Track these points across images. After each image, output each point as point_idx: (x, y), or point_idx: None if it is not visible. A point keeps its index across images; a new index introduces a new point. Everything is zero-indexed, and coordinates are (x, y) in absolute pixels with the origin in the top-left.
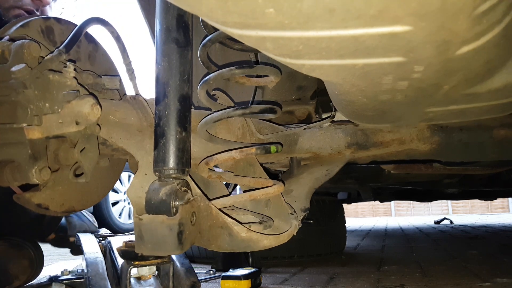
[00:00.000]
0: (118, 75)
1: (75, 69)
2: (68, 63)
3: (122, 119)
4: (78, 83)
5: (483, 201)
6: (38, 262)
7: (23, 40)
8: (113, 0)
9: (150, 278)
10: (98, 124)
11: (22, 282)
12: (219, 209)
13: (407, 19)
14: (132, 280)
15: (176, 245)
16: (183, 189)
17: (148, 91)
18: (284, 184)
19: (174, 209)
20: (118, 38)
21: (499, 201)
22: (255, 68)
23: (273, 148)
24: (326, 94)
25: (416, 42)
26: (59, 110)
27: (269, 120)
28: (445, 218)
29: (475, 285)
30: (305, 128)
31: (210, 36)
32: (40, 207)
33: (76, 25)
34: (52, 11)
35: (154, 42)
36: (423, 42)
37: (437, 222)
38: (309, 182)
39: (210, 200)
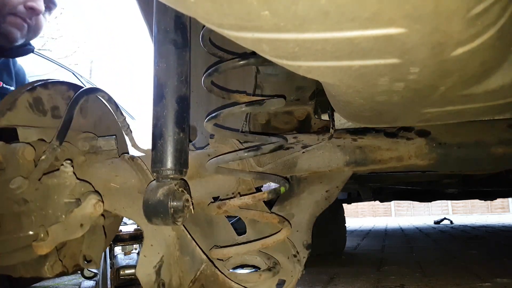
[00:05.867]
0: (112, 118)
1: (72, 166)
2: (65, 162)
3: (122, 184)
4: (78, 178)
5: (483, 201)
6: None
7: (16, 144)
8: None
9: (129, 254)
10: (102, 215)
11: None
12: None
13: (401, 22)
14: (119, 255)
15: None
16: (180, 189)
17: (146, 92)
18: (291, 225)
19: (172, 209)
20: (109, 100)
21: (499, 201)
22: (265, 105)
23: (282, 189)
24: (325, 95)
25: (411, 44)
26: (63, 216)
27: (268, 123)
28: (445, 218)
29: (475, 285)
30: (303, 152)
31: (216, 67)
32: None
33: (63, 82)
34: (46, 21)
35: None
36: (418, 44)
37: (437, 222)
38: (309, 207)
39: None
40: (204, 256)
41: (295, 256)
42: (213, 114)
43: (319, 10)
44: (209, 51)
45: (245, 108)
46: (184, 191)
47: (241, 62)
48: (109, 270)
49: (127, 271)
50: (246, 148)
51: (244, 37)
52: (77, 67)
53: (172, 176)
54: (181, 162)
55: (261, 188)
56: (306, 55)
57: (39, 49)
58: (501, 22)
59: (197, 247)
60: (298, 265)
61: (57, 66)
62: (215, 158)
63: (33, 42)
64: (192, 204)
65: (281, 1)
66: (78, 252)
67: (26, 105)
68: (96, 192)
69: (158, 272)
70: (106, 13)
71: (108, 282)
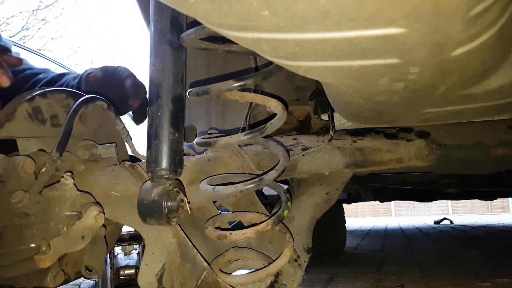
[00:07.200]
0: (112, 123)
1: (72, 178)
2: (65, 174)
3: (123, 192)
4: (78, 190)
5: (483, 201)
6: None
7: (17, 157)
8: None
9: (129, 254)
10: (103, 225)
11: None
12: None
13: (401, 22)
14: (119, 255)
15: None
16: (175, 189)
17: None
18: (291, 234)
19: (166, 209)
20: (109, 108)
21: (499, 201)
22: (265, 131)
23: (286, 212)
24: (325, 95)
25: (410, 44)
26: (64, 228)
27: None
28: (445, 218)
29: (475, 285)
30: (303, 155)
31: (202, 88)
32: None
33: (62, 90)
34: None
35: None
36: (417, 44)
37: (437, 222)
38: (310, 209)
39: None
40: (206, 264)
41: (296, 260)
42: (207, 140)
43: (319, 10)
44: (195, 47)
45: (243, 138)
46: (179, 191)
47: (236, 84)
48: (109, 270)
49: (127, 271)
50: (246, 181)
51: (244, 37)
52: (77, 67)
53: (166, 176)
54: (176, 162)
55: (262, 191)
56: (306, 55)
57: (39, 49)
58: (501, 22)
59: (198, 254)
60: (299, 270)
61: (57, 66)
62: (214, 193)
63: (33, 42)
64: (188, 203)
65: (281, 1)
66: (80, 259)
67: (25, 115)
68: (97, 203)
69: (160, 280)
70: (106, 13)
71: (108, 282)
